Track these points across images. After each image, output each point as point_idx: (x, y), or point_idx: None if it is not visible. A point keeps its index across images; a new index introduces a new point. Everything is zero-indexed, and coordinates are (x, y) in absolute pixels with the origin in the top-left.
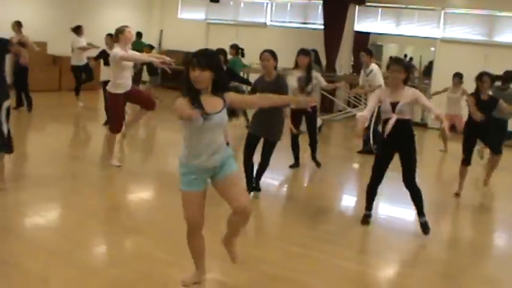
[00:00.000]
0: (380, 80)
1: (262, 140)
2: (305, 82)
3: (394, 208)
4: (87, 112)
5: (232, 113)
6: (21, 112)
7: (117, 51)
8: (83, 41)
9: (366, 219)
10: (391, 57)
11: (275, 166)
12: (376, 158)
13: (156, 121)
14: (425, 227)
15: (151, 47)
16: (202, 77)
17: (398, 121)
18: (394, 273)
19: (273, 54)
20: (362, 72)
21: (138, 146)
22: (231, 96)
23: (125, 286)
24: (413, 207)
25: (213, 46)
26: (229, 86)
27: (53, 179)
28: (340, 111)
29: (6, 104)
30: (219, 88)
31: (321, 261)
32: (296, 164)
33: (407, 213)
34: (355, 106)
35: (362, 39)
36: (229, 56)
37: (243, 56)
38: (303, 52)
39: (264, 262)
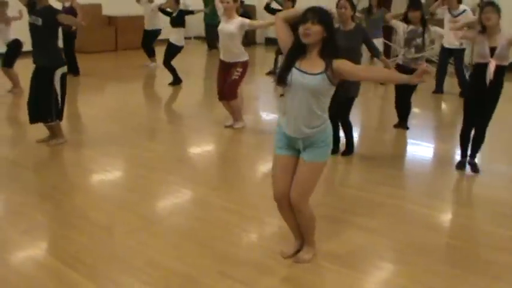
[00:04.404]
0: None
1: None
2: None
3: (452, 149)
4: (145, 71)
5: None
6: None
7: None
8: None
9: (462, 165)
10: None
11: None
12: (466, 102)
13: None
14: (475, 168)
15: None
16: (312, 30)
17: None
18: (454, 214)
19: (350, 2)
20: (447, 15)
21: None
22: (338, 63)
23: (186, 233)
24: (470, 148)
25: None
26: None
27: (115, 136)
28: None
29: (59, 71)
30: (327, 51)
31: (380, 203)
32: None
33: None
34: None
35: None
36: None
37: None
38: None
39: (322, 205)
